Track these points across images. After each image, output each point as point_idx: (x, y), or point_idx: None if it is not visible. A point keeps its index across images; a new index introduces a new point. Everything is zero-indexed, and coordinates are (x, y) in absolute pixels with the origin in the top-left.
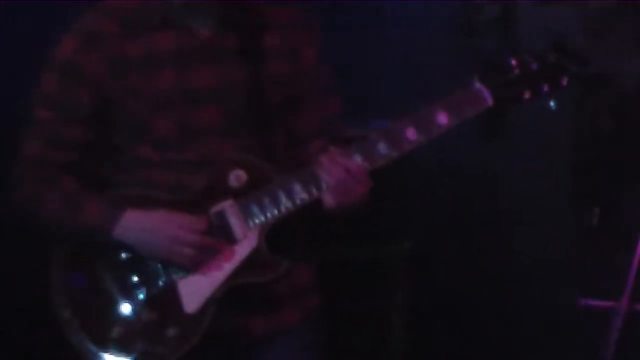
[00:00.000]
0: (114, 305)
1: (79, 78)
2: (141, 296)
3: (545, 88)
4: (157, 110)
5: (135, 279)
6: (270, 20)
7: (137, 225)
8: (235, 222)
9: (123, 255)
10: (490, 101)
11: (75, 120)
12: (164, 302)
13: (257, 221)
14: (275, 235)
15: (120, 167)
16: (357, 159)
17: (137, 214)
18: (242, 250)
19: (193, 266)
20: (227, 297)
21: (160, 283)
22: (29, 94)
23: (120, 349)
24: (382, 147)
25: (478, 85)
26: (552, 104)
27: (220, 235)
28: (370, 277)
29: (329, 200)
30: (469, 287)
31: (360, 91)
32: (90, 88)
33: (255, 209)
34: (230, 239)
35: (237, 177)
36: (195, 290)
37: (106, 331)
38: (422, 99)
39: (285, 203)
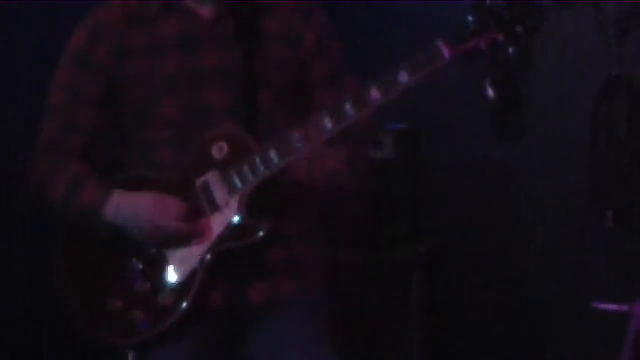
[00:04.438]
0: (113, 278)
1: (88, 66)
2: (137, 267)
3: (500, 37)
4: (162, 93)
5: (131, 251)
6: (271, 5)
7: (124, 208)
8: (217, 191)
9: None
10: (447, 55)
11: (85, 106)
12: (155, 272)
13: (237, 189)
14: (258, 202)
15: (129, 149)
16: (327, 123)
17: (125, 196)
18: (224, 217)
19: (176, 247)
20: (224, 266)
21: (152, 254)
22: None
23: (120, 319)
24: (348, 109)
25: (438, 43)
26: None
27: (205, 204)
28: (386, 280)
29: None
30: (485, 288)
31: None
32: (99, 75)
33: (235, 178)
34: (213, 207)
35: (219, 148)
36: (183, 259)
37: (106, 304)
38: (421, 99)
39: (263, 170)
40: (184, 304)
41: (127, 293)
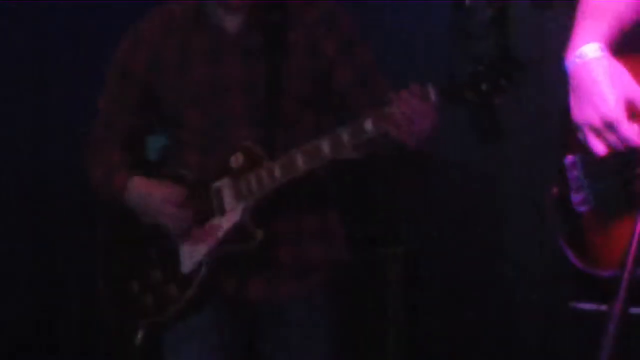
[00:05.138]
0: (134, 264)
1: (126, 75)
2: (153, 257)
3: (484, 86)
4: (189, 102)
5: (151, 242)
6: (295, 18)
7: (138, 191)
8: (227, 197)
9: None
10: (434, 100)
11: (124, 111)
12: (167, 263)
13: (243, 197)
14: (267, 209)
15: (170, 149)
16: (325, 148)
17: (142, 182)
18: (228, 221)
19: (177, 231)
20: (229, 264)
21: (167, 245)
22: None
23: (133, 301)
24: (346, 138)
25: (428, 87)
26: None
27: (215, 207)
28: (364, 280)
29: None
30: (464, 289)
31: None
32: (135, 84)
33: (243, 187)
34: (221, 211)
35: (236, 159)
36: (190, 253)
37: (125, 286)
38: None
39: (268, 183)
40: (187, 296)
41: (142, 279)
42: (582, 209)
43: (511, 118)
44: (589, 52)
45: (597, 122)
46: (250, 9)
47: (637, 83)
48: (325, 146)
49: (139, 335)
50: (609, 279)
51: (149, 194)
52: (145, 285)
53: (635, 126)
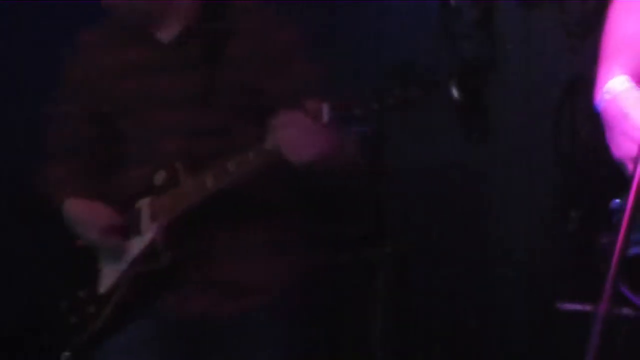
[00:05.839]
0: (67, 284)
1: (70, 85)
2: (84, 275)
3: (390, 100)
4: (123, 114)
5: (87, 260)
6: (237, 28)
7: (72, 212)
8: (144, 217)
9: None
10: (326, 119)
11: (70, 120)
12: (91, 282)
13: (158, 217)
14: (185, 228)
15: (111, 161)
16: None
17: (75, 203)
18: (142, 242)
19: (103, 252)
20: (150, 282)
21: (94, 265)
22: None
23: (62, 320)
24: (232, 168)
25: (322, 105)
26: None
27: (134, 227)
28: (352, 280)
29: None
30: (451, 289)
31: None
32: (79, 94)
33: (158, 207)
34: (137, 231)
35: (160, 176)
36: (108, 274)
37: (59, 304)
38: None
39: (182, 203)
40: (103, 316)
41: (72, 297)
42: (636, 250)
43: (499, 118)
44: (617, 86)
45: (636, 152)
46: (186, 18)
47: None
48: (231, 166)
49: (65, 355)
50: None
51: (78, 216)
52: (71, 304)
53: None
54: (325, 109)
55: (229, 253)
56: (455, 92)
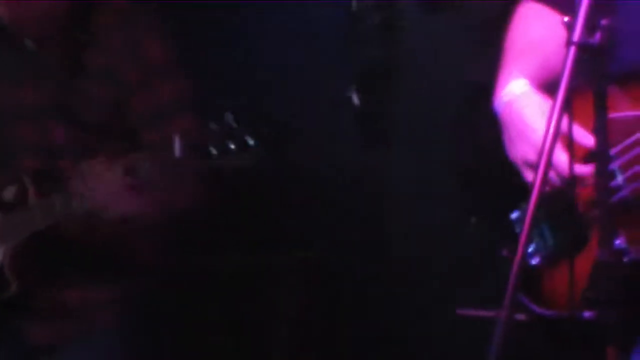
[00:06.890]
0: None
1: None
2: None
3: (232, 145)
4: None
5: None
6: (99, 39)
7: None
8: None
9: None
10: (179, 154)
11: None
12: None
13: (8, 240)
14: (30, 255)
15: None
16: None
17: None
18: None
19: None
20: (11, 304)
21: None
22: None
23: None
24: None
25: (175, 138)
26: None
27: None
28: (259, 286)
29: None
30: (358, 295)
31: (238, 102)
32: None
33: (4, 228)
34: None
35: (9, 192)
36: None
37: None
38: (301, 109)
39: (27, 226)
40: None
41: None
42: (534, 260)
43: (400, 123)
44: (515, 89)
45: (532, 156)
46: (50, 28)
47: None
48: (57, 201)
49: None
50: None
51: None
52: None
53: (566, 155)
54: (177, 143)
55: (72, 280)
56: (355, 98)
